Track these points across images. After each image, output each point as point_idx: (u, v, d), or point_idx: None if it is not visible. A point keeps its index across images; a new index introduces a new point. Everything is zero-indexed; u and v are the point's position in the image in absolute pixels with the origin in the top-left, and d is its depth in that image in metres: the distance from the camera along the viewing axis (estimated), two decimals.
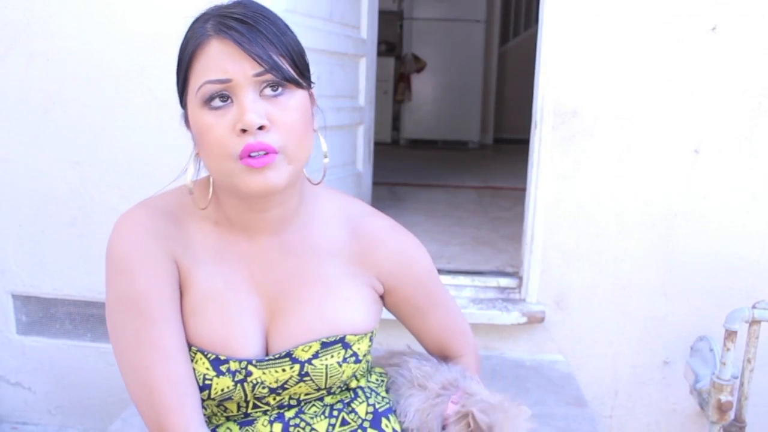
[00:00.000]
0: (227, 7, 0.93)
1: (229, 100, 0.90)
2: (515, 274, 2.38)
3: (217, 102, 0.90)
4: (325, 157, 1.04)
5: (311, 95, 1.01)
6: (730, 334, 1.90)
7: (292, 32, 0.96)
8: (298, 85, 0.93)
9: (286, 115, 0.91)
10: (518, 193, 3.21)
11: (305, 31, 2.43)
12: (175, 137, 2.33)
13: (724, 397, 1.92)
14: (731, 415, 1.96)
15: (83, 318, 2.45)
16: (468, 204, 3.80)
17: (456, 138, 6.89)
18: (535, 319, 2.20)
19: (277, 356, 0.99)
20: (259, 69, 0.88)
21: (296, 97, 0.93)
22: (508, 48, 7.22)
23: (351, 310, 1.05)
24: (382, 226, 1.10)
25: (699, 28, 2.04)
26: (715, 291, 2.16)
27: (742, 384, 1.98)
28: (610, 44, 2.08)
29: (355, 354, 1.04)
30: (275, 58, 0.90)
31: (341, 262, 1.06)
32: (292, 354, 1.00)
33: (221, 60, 0.89)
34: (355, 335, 1.04)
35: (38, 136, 2.28)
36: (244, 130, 0.88)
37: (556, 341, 2.27)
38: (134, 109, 2.21)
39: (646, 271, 2.19)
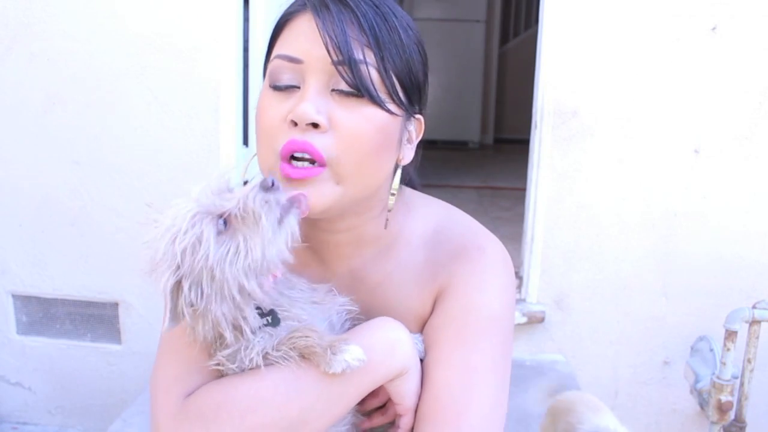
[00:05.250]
0: None
1: (298, 87, 0.76)
2: (515, 274, 2.37)
3: (283, 83, 0.76)
4: (392, 194, 0.83)
5: (419, 122, 0.83)
6: (730, 334, 1.90)
7: (414, 41, 0.78)
8: (374, 101, 0.74)
9: (354, 122, 0.73)
10: (518, 193, 3.21)
11: None
12: (176, 138, 2.35)
13: (724, 397, 1.92)
14: (731, 415, 1.96)
15: (83, 318, 2.45)
16: (468, 204, 3.80)
17: (456, 138, 6.89)
18: (536, 319, 2.20)
19: None
20: (337, 57, 0.72)
21: (377, 108, 0.75)
22: (508, 48, 7.21)
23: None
24: (468, 244, 0.85)
25: (699, 28, 2.04)
26: (715, 291, 2.16)
27: (742, 384, 1.97)
28: (610, 44, 2.08)
29: None
30: (359, 53, 0.73)
31: (412, 289, 0.86)
32: None
33: (301, 36, 0.75)
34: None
35: (38, 136, 2.28)
36: (295, 123, 0.73)
37: (556, 341, 2.27)
38: (134, 109, 2.21)
39: (646, 271, 2.18)
